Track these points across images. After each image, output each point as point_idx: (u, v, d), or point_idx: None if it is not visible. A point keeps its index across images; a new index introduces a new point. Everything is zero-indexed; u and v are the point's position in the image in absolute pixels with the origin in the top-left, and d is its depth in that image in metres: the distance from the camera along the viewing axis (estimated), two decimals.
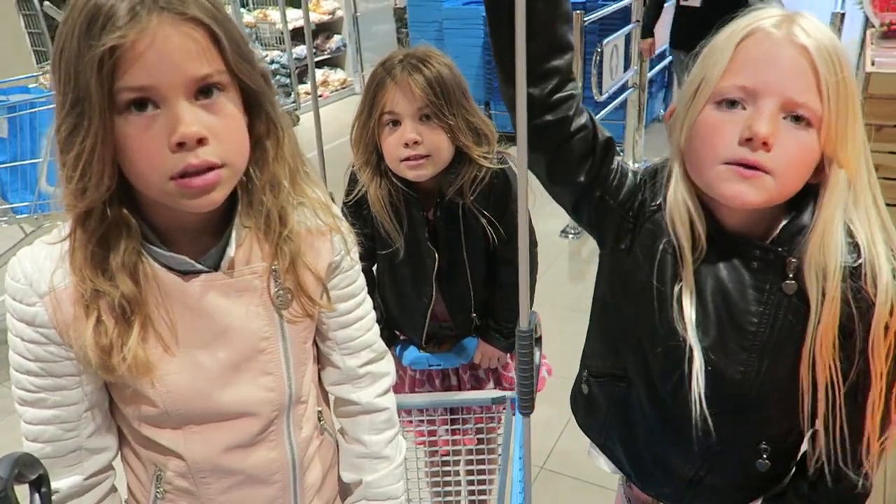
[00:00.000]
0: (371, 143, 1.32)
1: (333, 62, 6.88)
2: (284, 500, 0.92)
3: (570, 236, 3.72)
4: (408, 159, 1.27)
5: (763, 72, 0.81)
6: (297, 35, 6.18)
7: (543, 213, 1.46)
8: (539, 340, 0.69)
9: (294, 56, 6.02)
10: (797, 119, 0.81)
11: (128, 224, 0.75)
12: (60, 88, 0.69)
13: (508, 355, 1.54)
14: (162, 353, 0.80)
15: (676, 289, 0.90)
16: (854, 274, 0.84)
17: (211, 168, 0.71)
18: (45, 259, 0.77)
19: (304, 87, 6.23)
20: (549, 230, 3.64)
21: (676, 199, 0.90)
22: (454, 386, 1.58)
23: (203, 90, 0.71)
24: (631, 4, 4.22)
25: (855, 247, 0.84)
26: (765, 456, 0.93)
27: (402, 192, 1.34)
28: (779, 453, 0.93)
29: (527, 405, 0.71)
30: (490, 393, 1.49)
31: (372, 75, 1.31)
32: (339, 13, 6.75)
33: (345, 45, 6.89)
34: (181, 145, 0.69)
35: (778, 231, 0.88)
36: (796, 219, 0.87)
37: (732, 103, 0.83)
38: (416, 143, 1.26)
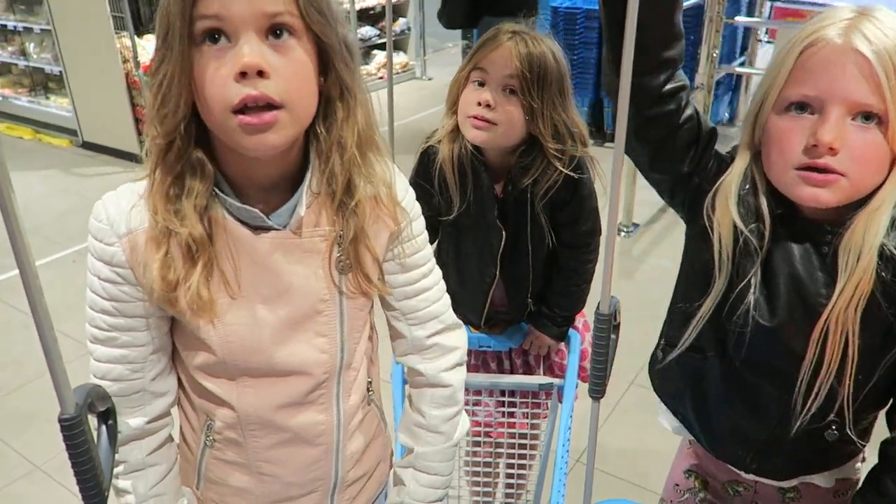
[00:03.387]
0: (457, 97, 1.33)
1: (396, 45, 6.89)
2: (326, 463, 0.94)
3: (623, 233, 3.67)
4: (475, 117, 1.28)
5: (825, 81, 0.84)
6: (363, 16, 6.21)
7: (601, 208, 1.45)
8: (618, 327, 0.69)
9: (359, 36, 6.06)
10: (867, 117, 0.84)
11: (203, 168, 0.78)
12: (158, 28, 0.74)
13: (562, 343, 1.53)
14: (224, 296, 0.81)
15: (751, 272, 0.94)
16: None
17: (270, 106, 0.73)
18: (127, 203, 0.80)
19: (366, 68, 6.27)
20: (603, 226, 3.59)
21: (724, 194, 0.95)
22: (507, 371, 1.58)
23: (275, 31, 0.73)
24: (704, 2, 4.10)
25: None
26: (833, 428, 0.96)
27: (472, 156, 1.34)
28: (847, 425, 0.96)
29: (597, 389, 0.70)
30: (538, 379, 1.49)
31: (482, 35, 1.32)
32: None
33: (409, 29, 6.90)
34: (243, 75, 0.71)
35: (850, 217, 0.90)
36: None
37: (800, 108, 0.86)
38: (488, 105, 1.26)
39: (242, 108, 0.72)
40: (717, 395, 1.05)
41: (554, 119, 1.28)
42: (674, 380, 1.11)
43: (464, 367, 1.04)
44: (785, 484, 1.09)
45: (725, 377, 1.02)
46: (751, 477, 1.10)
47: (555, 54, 1.28)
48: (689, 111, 0.97)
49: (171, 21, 0.71)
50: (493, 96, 1.27)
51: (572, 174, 1.31)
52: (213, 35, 0.72)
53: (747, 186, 0.94)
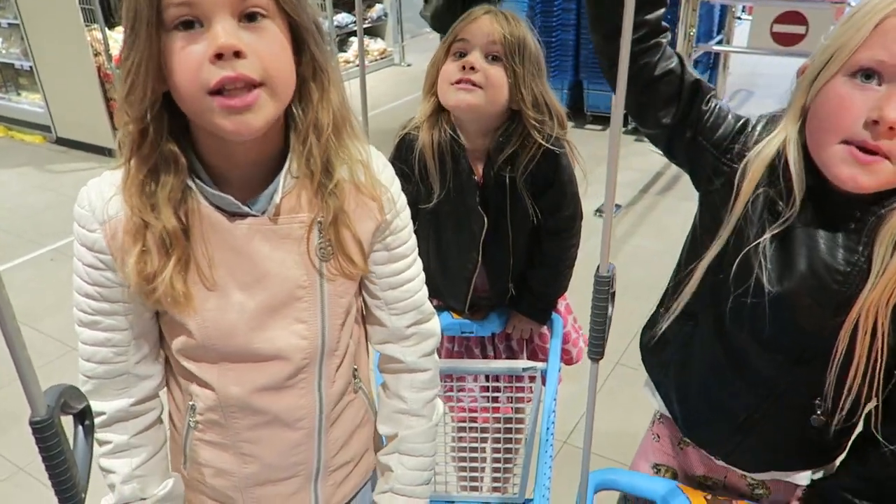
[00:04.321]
0: (436, 78, 1.32)
1: (373, 31, 6.84)
2: (308, 448, 0.94)
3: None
4: (459, 81, 1.26)
5: None
6: (339, 2, 6.16)
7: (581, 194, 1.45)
8: (613, 296, 0.70)
9: (335, 23, 6.00)
10: None
11: (177, 161, 0.78)
12: (124, 15, 0.73)
13: (544, 327, 1.53)
14: (201, 288, 0.82)
15: (765, 235, 0.91)
16: None
17: (249, 85, 0.72)
18: (108, 190, 0.81)
19: (344, 56, 6.22)
20: (585, 210, 3.60)
21: (767, 153, 0.90)
22: (490, 356, 1.58)
23: (249, 15, 0.73)
24: None
25: None
26: (819, 412, 0.93)
27: (452, 141, 1.33)
28: (834, 417, 0.93)
29: (597, 350, 0.72)
30: (521, 363, 1.49)
31: (457, 18, 1.32)
32: None
33: (386, 15, 6.85)
34: (219, 57, 0.71)
35: (883, 196, 0.86)
36: None
37: (867, 76, 0.81)
38: (473, 68, 1.26)
39: (219, 90, 0.72)
40: (701, 364, 1.03)
41: (534, 88, 1.28)
42: (664, 348, 1.09)
43: (436, 354, 1.05)
44: (757, 476, 1.07)
45: (714, 345, 1.00)
46: (720, 464, 1.08)
47: (531, 32, 1.28)
48: (668, 65, 0.95)
49: (137, 7, 0.71)
50: (478, 61, 1.26)
51: (552, 147, 1.31)
52: (188, 23, 0.71)
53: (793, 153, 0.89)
